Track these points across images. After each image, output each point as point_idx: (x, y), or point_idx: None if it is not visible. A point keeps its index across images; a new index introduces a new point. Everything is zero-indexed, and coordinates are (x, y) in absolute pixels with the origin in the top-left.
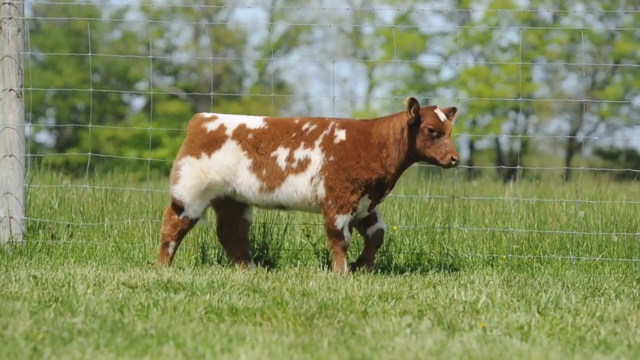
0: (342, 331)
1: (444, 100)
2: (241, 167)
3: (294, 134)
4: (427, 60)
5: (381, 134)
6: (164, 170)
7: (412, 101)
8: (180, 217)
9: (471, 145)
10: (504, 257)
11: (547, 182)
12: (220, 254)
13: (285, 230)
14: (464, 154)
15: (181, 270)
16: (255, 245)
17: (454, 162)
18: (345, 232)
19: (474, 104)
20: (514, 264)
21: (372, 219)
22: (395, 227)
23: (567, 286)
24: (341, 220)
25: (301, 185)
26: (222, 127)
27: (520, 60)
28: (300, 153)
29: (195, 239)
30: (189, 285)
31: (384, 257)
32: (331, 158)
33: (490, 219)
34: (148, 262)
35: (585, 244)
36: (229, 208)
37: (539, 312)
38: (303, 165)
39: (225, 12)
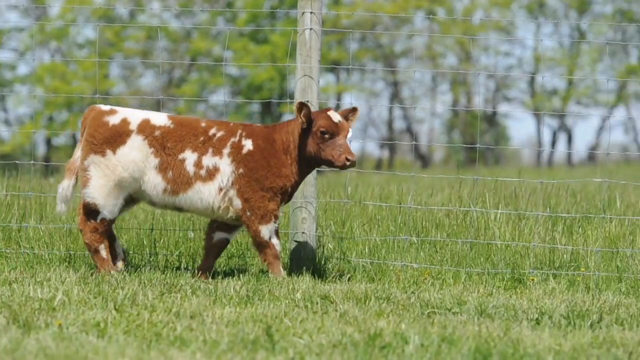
0: None
1: (20, 97)
2: (149, 164)
3: (202, 138)
4: (3, 55)
5: (283, 140)
6: None
7: (301, 105)
8: (98, 220)
9: (48, 142)
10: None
11: None
12: None
13: None
14: (41, 150)
15: None
16: None
17: (348, 163)
18: (273, 240)
19: (50, 100)
20: (89, 261)
21: (233, 227)
22: None
23: (144, 283)
24: (266, 230)
25: (207, 194)
26: (125, 122)
27: (97, 57)
28: (208, 160)
29: None
30: None
31: None
32: (241, 170)
33: (67, 217)
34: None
35: (162, 240)
36: None
37: (115, 308)
38: (211, 173)
39: None
